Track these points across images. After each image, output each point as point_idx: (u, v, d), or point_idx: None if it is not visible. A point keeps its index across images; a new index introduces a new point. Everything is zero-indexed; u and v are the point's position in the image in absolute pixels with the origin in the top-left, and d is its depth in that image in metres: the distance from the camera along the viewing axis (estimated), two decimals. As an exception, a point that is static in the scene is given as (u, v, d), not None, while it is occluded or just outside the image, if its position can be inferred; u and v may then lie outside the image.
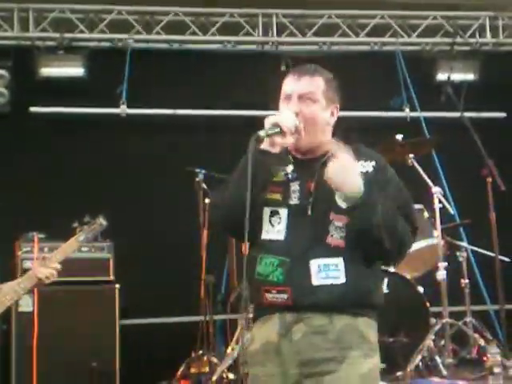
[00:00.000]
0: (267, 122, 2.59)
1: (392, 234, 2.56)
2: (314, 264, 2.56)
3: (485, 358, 4.92)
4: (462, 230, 6.44)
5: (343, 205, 2.57)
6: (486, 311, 6.38)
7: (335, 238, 2.59)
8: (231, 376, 4.81)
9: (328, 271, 2.55)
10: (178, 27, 7.35)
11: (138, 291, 6.19)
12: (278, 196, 2.66)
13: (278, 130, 2.57)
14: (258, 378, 2.62)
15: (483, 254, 5.88)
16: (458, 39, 7.63)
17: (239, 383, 4.75)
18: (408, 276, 5.22)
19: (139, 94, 7.02)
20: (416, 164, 5.56)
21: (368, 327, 2.63)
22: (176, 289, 6.36)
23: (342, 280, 2.56)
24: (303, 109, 2.66)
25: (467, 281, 5.68)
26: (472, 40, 7.72)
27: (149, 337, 6.40)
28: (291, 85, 2.71)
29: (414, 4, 7.56)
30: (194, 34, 7.38)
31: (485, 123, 6.99)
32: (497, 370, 4.73)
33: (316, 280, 2.55)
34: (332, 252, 2.57)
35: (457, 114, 6.57)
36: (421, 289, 5.18)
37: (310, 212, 2.62)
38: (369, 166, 2.68)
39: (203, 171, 5.78)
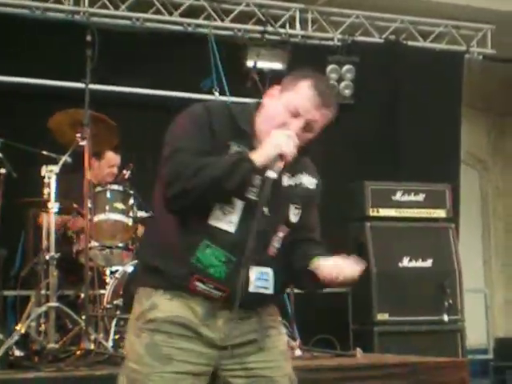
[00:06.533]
0: (272, 149, 2.42)
1: None
2: (255, 271, 2.48)
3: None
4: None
5: (294, 219, 2.55)
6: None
7: (273, 247, 2.53)
8: (18, 353, 4.66)
9: (261, 280, 2.50)
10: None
11: None
12: None
13: (279, 159, 2.43)
14: (158, 347, 2.47)
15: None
16: (269, 28, 7.81)
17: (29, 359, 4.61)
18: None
19: None
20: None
21: (276, 308, 2.68)
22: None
23: (271, 291, 2.53)
24: (300, 136, 2.49)
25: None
26: (282, 30, 7.93)
27: None
28: (310, 108, 2.51)
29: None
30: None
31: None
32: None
33: (252, 287, 2.48)
34: (267, 261, 2.52)
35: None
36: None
37: (268, 213, 2.47)
38: (312, 183, 2.66)
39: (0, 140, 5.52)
